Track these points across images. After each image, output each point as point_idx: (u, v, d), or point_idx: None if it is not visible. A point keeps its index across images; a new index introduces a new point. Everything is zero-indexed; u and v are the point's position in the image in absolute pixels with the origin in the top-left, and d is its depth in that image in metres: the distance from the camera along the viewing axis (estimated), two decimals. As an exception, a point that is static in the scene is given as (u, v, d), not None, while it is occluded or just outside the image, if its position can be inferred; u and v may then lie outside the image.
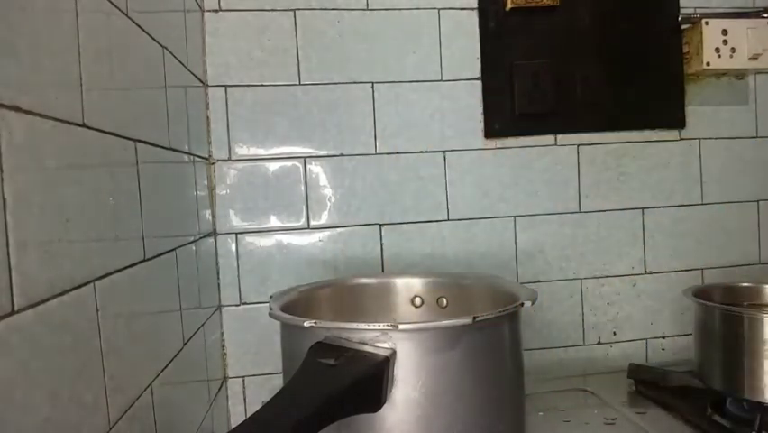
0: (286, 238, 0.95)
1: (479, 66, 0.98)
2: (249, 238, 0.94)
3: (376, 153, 0.96)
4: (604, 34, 1.01)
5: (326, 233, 0.95)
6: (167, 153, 0.65)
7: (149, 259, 0.56)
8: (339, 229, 0.96)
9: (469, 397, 0.55)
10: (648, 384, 0.89)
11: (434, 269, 0.97)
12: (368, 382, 0.51)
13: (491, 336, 0.58)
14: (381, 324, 0.53)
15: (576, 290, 1.02)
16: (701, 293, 0.90)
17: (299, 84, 0.94)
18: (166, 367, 0.60)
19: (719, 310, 0.84)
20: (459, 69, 0.98)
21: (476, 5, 0.98)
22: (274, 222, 0.94)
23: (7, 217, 0.32)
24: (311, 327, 0.55)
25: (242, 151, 0.93)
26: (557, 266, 1.01)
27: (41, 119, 0.36)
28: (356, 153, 0.96)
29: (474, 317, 0.54)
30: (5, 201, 0.32)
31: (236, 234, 0.93)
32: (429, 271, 0.95)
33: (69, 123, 0.40)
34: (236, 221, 0.93)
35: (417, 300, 0.80)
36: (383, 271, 0.96)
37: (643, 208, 1.04)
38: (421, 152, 0.97)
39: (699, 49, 0.98)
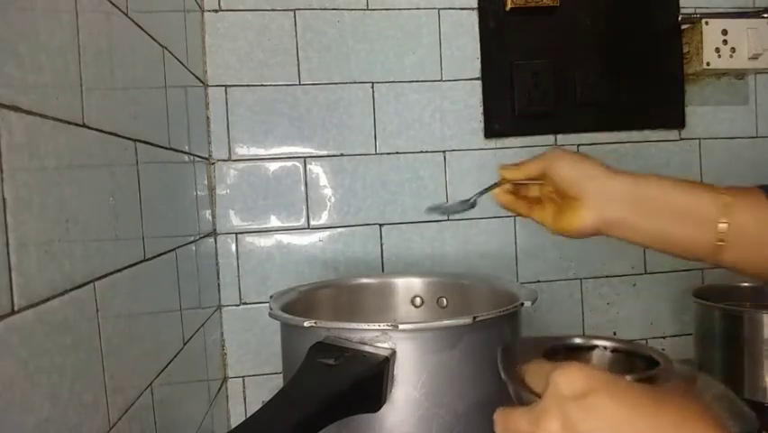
0: (286, 238, 0.95)
1: (479, 66, 0.98)
2: (249, 238, 0.94)
3: (376, 153, 0.96)
4: (604, 34, 1.01)
5: (326, 233, 0.95)
6: (167, 153, 0.65)
7: (149, 259, 0.56)
8: (339, 229, 0.96)
9: (469, 397, 0.55)
10: (648, 384, 0.89)
11: (434, 269, 0.97)
12: (368, 382, 0.51)
13: (491, 336, 0.58)
14: (381, 324, 0.53)
15: (576, 290, 1.02)
16: (701, 293, 0.90)
17: (299, 84, 0.94)
18: (166, 367, 0.60)
19: (719, 310, 0.84)
20: (459, 69, 0.98)
21: (476, 5, 0.98)
22: (274, 222, 0.94)
23: (7, 217, 0.32)
24: (311, 327, 0.55)
25: (242, 151, 0.93)
26: (557, 266, 1.01)
27: (41, 119, 0.36)
28: (356, 153, 0.95)
29: (474, 317, 0.54)
30: (5, 201, 0.32)
31: (236, 234, 0.93)
32: (429, 271, 0.95)
33: (69, 123, 0.40)
34: (236, 221, 0.93)
35: (417, 300, 0.80)
36: (383, 271, 0.96)
37: (643, 208, 1.03)
38: (421, 152, 0.97)
39: (699, 49, 0.98)
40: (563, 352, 0.49)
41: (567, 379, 0.35)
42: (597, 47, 1.00)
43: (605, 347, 0.50)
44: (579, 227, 0.55)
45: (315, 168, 0.95)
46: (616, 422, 0.33)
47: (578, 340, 0.51)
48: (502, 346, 0.49)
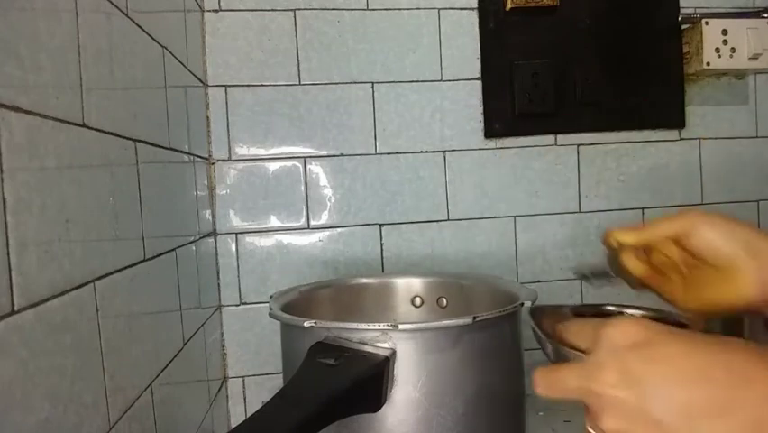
0: (286, 238, 0.94)
1: (479, 66, 0.98)
2: (249, 238, 0.94)
3: (376, 153, 0.96)
4: (604, 34, 1.01)
5: (326, 233, 0.95)
6: (167, 153, 0.65)
7: (149, 259, 0.56)
8: (339, 229, 0.96)
9: (469, 397, 0.55)
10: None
11: (434, 269, 0.97)
12: (368, 382, 0.51)
13: (491, 335, 0.58)
14: (381, 324, 0.53)
15: (576, 290, 1.02)
16: (701, 293, 0.90)
17: (299, 84, 0.94)
18: (166, 367, 0.60)
19: (719, 310, 0.84)
20: (459, 69, 0.98)
21: (476, 5, 0.98)
22: (274, 222, 0.94)
23: (7, 217, 0.32)
24: (311, 327, 0.55)
25: (242, 151, 0.93)
26: (557, 266, 1.01)
27: (41, 119, 0.36)
28: (356, 153, 0.95)
29: (474, 317, 0.54)
30: (5, 201, 0.32)
31: (236, 234, 0.93)
32: (429, 271, 0.95)
33: (69, 123, 0.40)
34: (236, 221, 0.93)
35: (417, 300, 0.80)
36: (383, 271, 0.96)
37: (643, 208, 1.03)
38: (421, 151, 0.97)
39: (699, 49, 0.98)
40: (593, 316, 0.48)
41: (623, 331, 0.34)
42: (597, 47, 1.00)
43: (633, 315, 0.49)
44: (738, 297, 0.47)
45: (315, 168, 0.95)
46: (684, 366, 0.32)
47: (609, 308, 0.51)
48: (531, 308, 0.48)
